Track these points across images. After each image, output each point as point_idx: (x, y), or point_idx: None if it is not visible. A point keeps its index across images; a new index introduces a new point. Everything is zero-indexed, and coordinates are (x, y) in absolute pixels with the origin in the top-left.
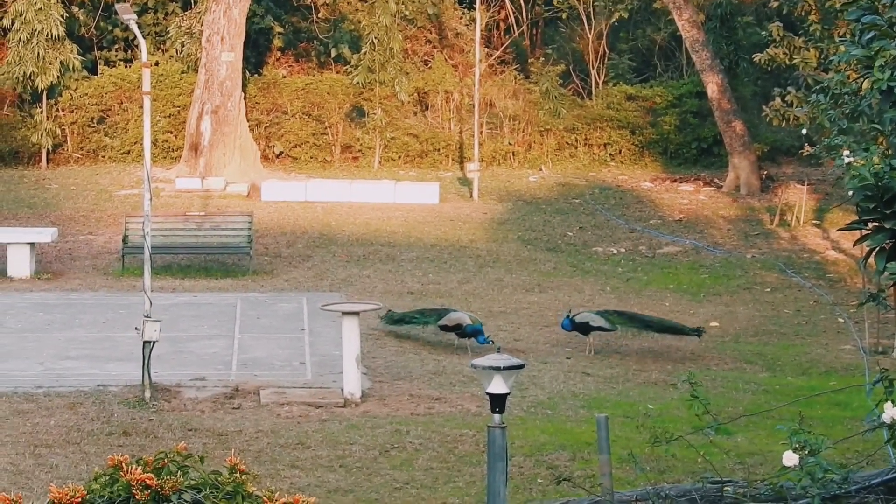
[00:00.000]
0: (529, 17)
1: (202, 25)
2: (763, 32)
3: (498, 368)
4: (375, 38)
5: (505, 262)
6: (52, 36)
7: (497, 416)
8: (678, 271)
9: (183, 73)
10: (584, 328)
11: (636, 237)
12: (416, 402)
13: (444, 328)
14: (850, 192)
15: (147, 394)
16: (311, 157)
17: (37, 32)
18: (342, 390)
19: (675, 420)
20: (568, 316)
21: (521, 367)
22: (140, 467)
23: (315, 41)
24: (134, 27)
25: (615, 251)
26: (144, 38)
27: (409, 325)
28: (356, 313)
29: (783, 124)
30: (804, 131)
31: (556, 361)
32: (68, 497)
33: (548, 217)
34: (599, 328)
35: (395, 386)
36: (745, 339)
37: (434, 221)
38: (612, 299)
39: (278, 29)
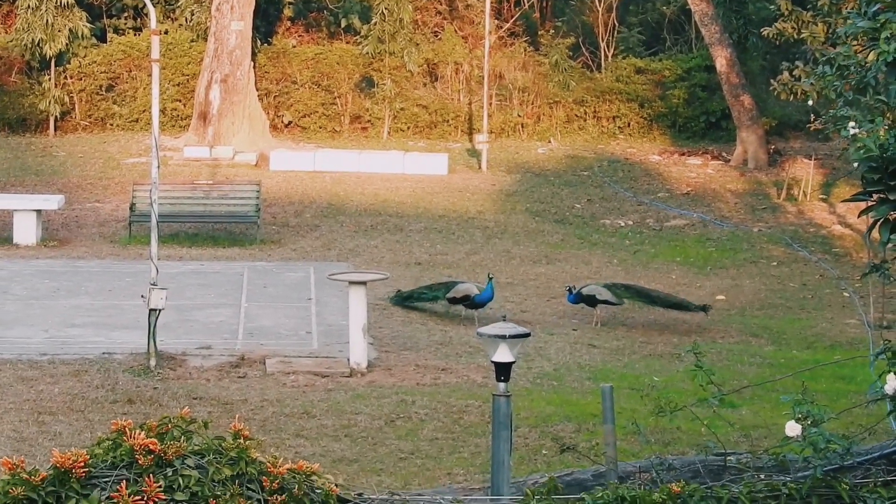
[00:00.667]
0: None
1: None
2: (772, 7)
3: (503, 337)
4: (385, 8)
5: (513, 233)
6: (61, 3)
7: (502, 385)
8: (685, 244)
9: (192, 41)
10: (591, 301)
11: (644, 210)
12: (422, 373)
13: (453, 300)
14: (856, 164)
15: (152, 362)
16: (320, 127)
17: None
18: (348, 360)
19: (680, 392)
20: (570, 291)
21: (526, 335)
22: (143, 432)
23: (325, 11)
24: None
25: (623, 224)
26: (154, 5)
27: (418, 303)
28: (363, 283)
29: (791, 99)
30: (810, 103)
31: (563, 333)
32: (71, 462)
33: (556, 189)
34: (605, 301)
35: (401, 356)
36: (750, 312)
37: (442, 192)
38: (619, 272)
39: None
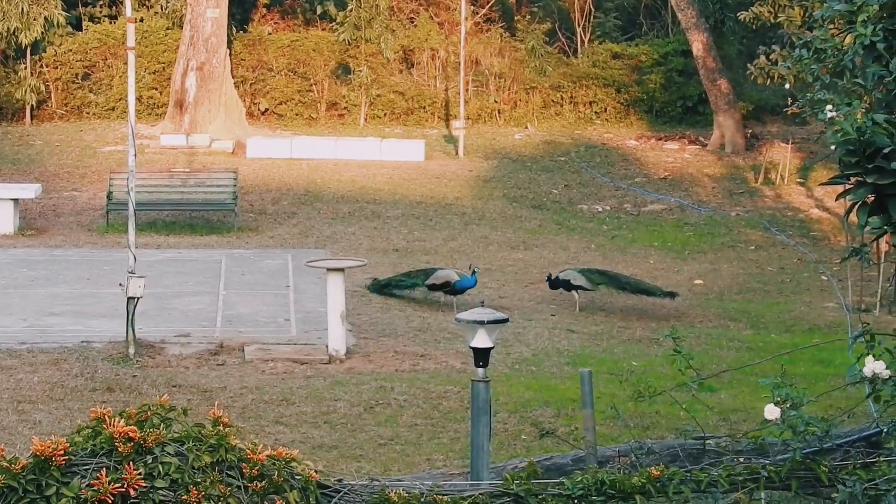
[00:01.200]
0: None
1: None
2: None
3: (482, 322)
4: None
5: (490, 219)
6: None
7: (480, 371)
8: (663, 229)
9: (168, 29)
10: (566, 286)
11: (621, 195)
12: (401, 359)
13: (433, 287)
14: (833, 148)
15: (131, 350)
16: (297, 114)
17: None
18: (327, 347)
19: (659, 377)
20: (549, 276)
21: (504, 321)
22: (123, 420)
23: None
24: None
25: (600, 209)
26: None
27: (396, 290)
28: (341, 270)
29: (768, 83)
30: (787, 86)
31: (541, 318)
32: (51, 450)
33: (533, 175)
34: (580, 287)
35: (379, 342)
36: (729, 296)
37: (419, 179)
38: (597, 257)
39: None
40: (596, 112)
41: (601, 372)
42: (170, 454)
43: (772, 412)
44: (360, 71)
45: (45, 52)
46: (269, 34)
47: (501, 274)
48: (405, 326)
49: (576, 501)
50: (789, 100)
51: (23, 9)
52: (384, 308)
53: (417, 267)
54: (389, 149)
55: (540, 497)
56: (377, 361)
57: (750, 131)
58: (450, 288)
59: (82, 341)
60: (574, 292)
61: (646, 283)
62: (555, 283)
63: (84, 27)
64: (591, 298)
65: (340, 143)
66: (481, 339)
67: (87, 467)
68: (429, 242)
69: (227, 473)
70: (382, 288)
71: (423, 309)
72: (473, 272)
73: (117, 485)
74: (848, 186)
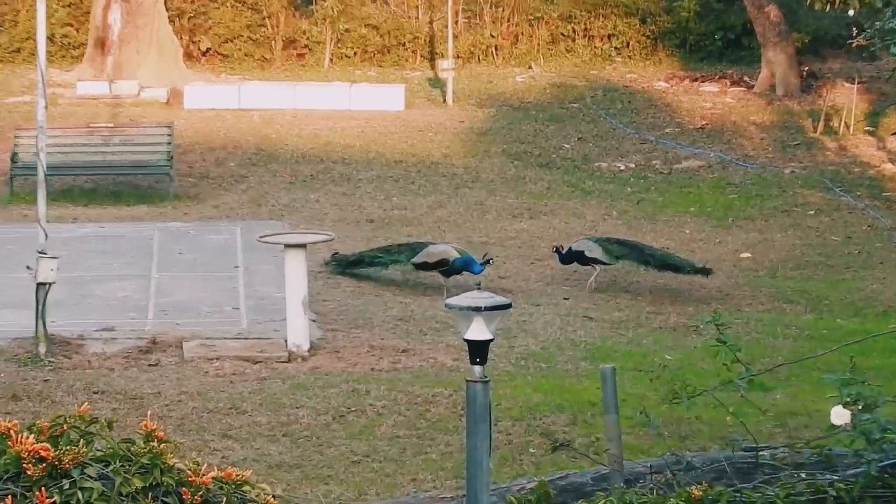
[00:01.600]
0: None
1: None
2: None
3: (478, 309)
4: None
5: (487, 181)
6: None
7: (477, 369)
8: (701, 191)
9: None
10: (580, 258)
11: (649, 149)
12: (378, 355)
13: (423, 266)
14: None
15: (42, 348)
16: (246, 55)
17: None
18: (286, 341)
19: (699, 373)
20: (559, 252)
21: (506, 307)
22: (33, 435)
23: None
24: None
25: (623, 167)
26: None
27: (369, 268)
28: (302, 246)
29: (827, 9)
30: (851, 13)
31: (552, 303)
32: None
33: (540, 126)
34: (595, 260)
35: (351, 335)
36: (783, 273)
37: (399, 132)
38: (619, 226)
39: None
40: (616, 48)
41: (627, 368)
42: (91, 477)
43: (840, 416)
44: (325, 0)
45: None
46: None
47: (502, 249)
48: (383, 315)
49: None
50: (854, 30)
51: None
52: (356, 292)
53: (400, 241)
54: (361, 96)
55: None
56: (348, 359)
57: (806, 69)
58: (448, 267)
59: None
60: (591, 267)
61: (674, 255)
62: (567, 257)
63: None
64: (613, 278)
65: (301, 89)
66: (478, 330)
67: None
68: (410, 211)
69: (162, 500)
70: (351, 266)
71: (405, 292)
72: (486, 261)
73: None
74: None
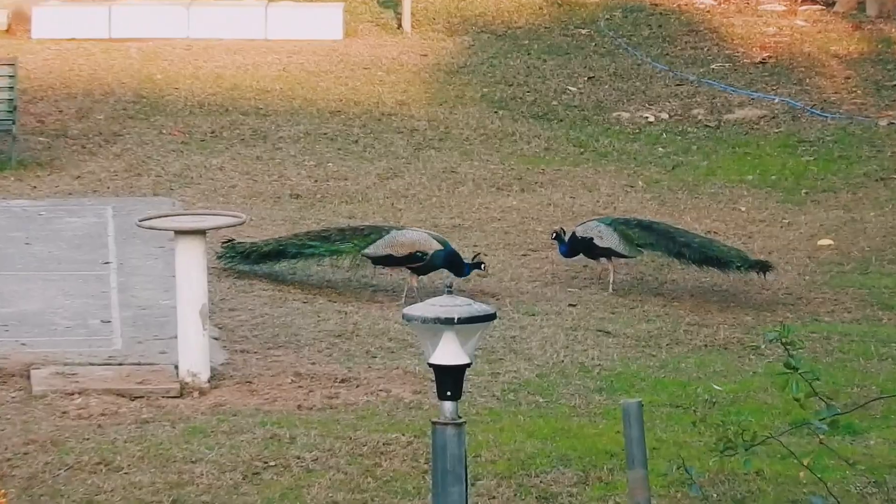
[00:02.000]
0: None
1: None
2: None
3: (450, 321)
4: None
5: (460, 139)
6: None
7: (448, 406)
8: (762, 151)
9: None
10: (588, 248)
11: (688, 93)
12: (307, 388)
13: (385, 261)
14: None
15: None
16: None
17: None
18: (177, 368)
19: (761, 410)
20: (559, 237)
21: (489, 318)
22: None
23: None
24: None
25: (652, 118)
26: None
27: (293, 262)
28: (201, 233)
29: None
30: None
31: (553, 312)
32: None
33: (533, 60)
34: (609, 251)
35: (269, 359)
36: (878, 267)
37: (335, 71)
38: (646, 202)
39: None
40: None
41: (659, 404)
42: None
43: None
44: None
45: None
46: None
47: (482, 234)
48: (314, 329)
49: None
50: None
51: None
52: (277, 298)
53: (342, 225)
54: (282, 20)
55: None
56: (265, 392)
57: None
58: (424, 264)
59: None
60: (604, 260)
61: (720, 244)
62: (569, 247)
63: None
64: (639, 275)
65: (197, 12)
66: (449, 351)
67: None
68: (353, 182)
69: None
70: (264, 259)
71: (345, 297)
72: (477, 264)
73: None
74: None
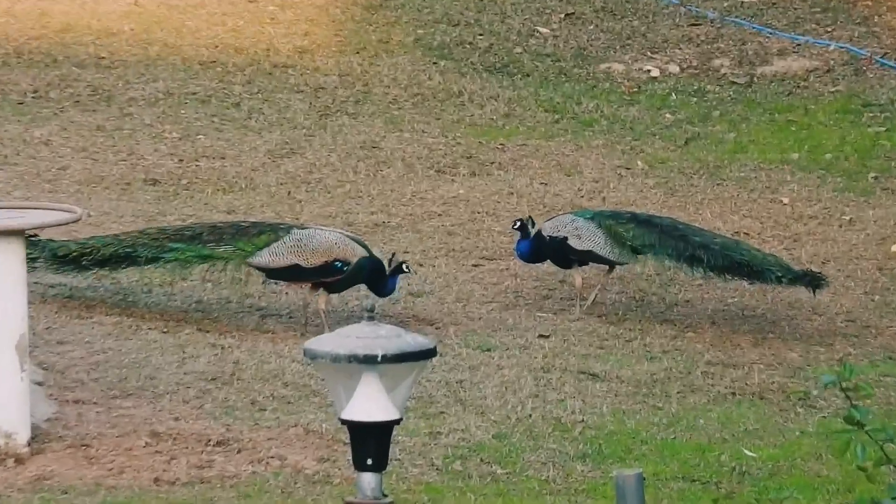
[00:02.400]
0: None
1: None
2: None
3: (372, 359)
4: None
5: (384, 101)
6: None
7: (369, 479)
8: (812, 119)
9: None
10: (558, 252)
11: (706, 37)
12: (169, 453)
13: (288, 273)
14: None
15: None
16: None
17: None
18: None
19: (811, 485)
20: (522, 229)
21: (427, 355)
22: None
23: None
24: None
25: (655, 71)
26: None
27: (149, 265)
28: (18, 233)
29: None
30: None
31: (516, 345)
32: None
33: None
34: (589, 255)
35: (114, 412)
36: None
37: (209, 5)
38: (648, 189)
39: None
40: None
41: (667, 476)
42: None
43: None
44: None
45: None
46: None
47: (415, 236)
48: (177, 370)
49: None
50: None
51: None
52: (123, 326)
53: (213, 222)
54: None
55: None
56: (108, 459)
57: None
58: (344, 276)
59: None
60: (579, 269)
61: (749, 248)
62: (531, 249)
63: None
64: (640, 293)
65: None
66: (370, 402)
67: None
68: (233, 162)
69: None
70: (97, 264)
71: (221, 322)
72: (398, 268)
73: None
74: None
